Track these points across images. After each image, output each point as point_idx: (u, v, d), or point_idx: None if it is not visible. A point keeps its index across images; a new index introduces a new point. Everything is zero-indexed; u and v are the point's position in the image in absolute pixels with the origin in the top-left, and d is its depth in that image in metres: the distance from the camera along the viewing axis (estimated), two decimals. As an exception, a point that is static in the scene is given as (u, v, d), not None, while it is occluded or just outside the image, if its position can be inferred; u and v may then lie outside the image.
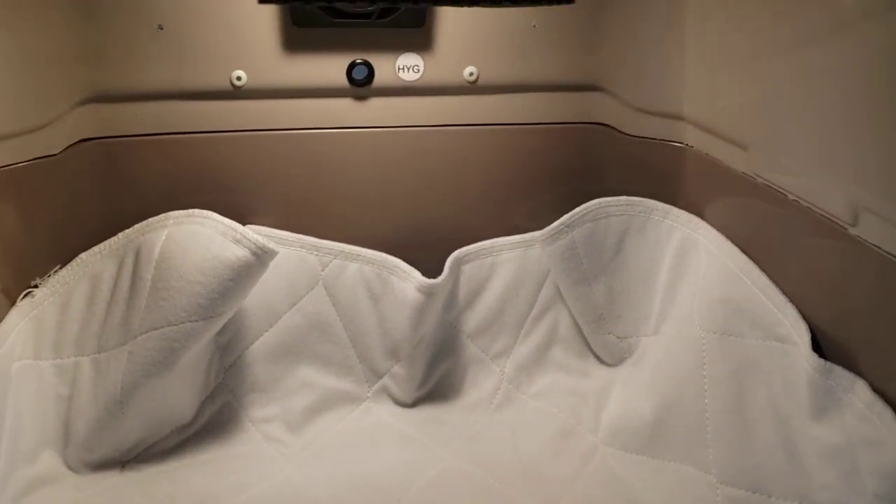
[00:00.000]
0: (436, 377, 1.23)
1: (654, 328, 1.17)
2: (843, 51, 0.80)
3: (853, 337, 0.84)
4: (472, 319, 1.26)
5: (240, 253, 1.03)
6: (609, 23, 1.26)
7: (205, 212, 1.08)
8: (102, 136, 1.17)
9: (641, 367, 1.16)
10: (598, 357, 1.26)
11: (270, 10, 1.16)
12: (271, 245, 1.05)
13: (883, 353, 0.79)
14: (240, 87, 1.19)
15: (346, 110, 1.24)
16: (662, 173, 1.25)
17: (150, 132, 1.18)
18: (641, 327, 1.19)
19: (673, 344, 1.11)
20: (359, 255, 1.21)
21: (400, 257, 1.21)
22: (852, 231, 0.82)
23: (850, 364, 0.83)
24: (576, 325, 1.26)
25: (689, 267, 1.13)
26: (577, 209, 1.20)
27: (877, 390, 0.79)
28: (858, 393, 0.80)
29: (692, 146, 1.20)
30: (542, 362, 1.25)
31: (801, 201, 0.92)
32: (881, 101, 0.75)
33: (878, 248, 0.78)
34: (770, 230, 0.99)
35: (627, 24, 1.24)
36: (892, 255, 0.76)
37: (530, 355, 1.25)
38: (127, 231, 1.11)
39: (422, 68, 1.24)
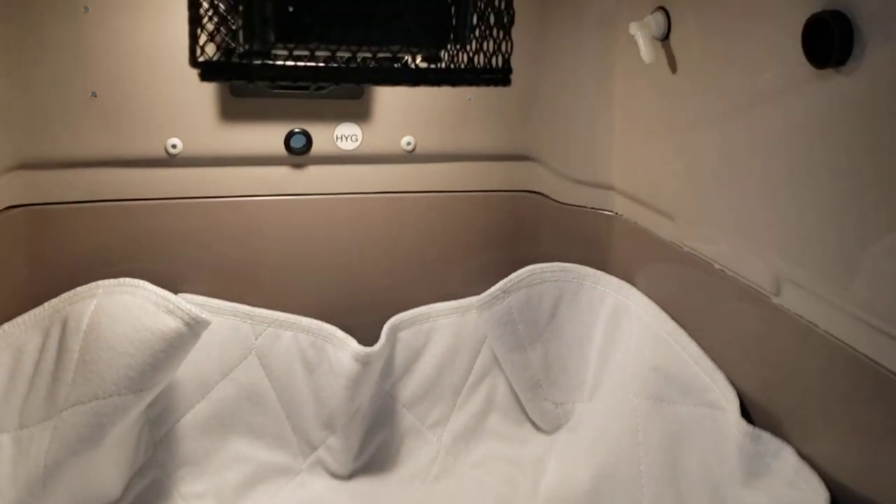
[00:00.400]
0: (372, 448, 1.21)
1: (590, 394, 1.19)
2: (762, 125, 0.85)
3: (780, 403, 0.87)
4: (409, 388, 1.25)
5: (172, 324, 1.00)
6: (541, 96, 1.31)
7: (136, 281, 1.06)
8: (31, 203, 1.13)
9: (578, 434, 1.17)
10: (535, 424, 1.26)
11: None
12: (204, 315, 1.03)
13: (808, 418, 0.82)
14: (175, 155, 1.18)
15: (283, 178, 1.24)
16: (594, 240, 1.29)
17: (81, 199, 1.16)
18: (577, 393, 1.21)
19: (608, 411, 1.13)
20: (293, 324, 1.20)
21: (336, 324, 1.20)
22: (775, 300, 0.86)
23: (777, 429, 0.86)
24: (512, 391, 1.27)
25: (622, 333, 1.16)
26: (513, 275, 1.22)
27: (803, 455, 0.81)
28: (786, 459, 0.82)
29: (622, 215, 1.24)
30: (479, 431, 1.25)
31: (726, 270, 0.95)
32: (799, 176, 0.80)
33: (801, 317, 0.82)
34: (698, 298, 1.03)
35: (559, 98, 1.29)
36: (813, 323, 0.80)
37: (468, 424, 1.25)
38: (53, 301, 1.08)
39: (360, 137, 1.25)
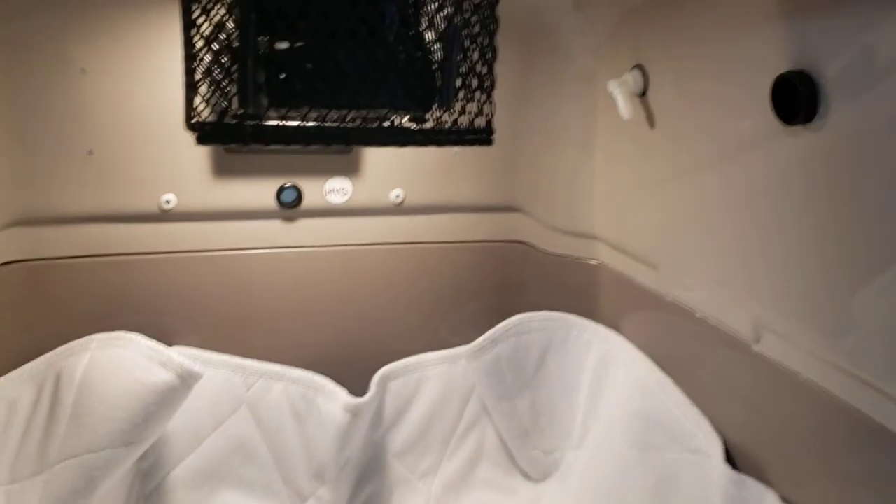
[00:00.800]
0: (362, 499, 1.21)
1: (578, 442, 1.20)
2: (737, 178, 0.89)
3: (762, 448, 0.88)
4: (399, 438, 1.25)
5: (165, 377, 1.02)
6: (526, 150, 1.35)
7: (129, 334, 1.08)
8: (28, 258, 1.15)
9: (567, 482, 1.18)
10: (524, 473, 1.26)
11: (202, 137, 1.19)
12: (197, 368, 1.05)
13: (791, 464, 0.84)
14: (168, 211, 1.20)
15: (274, 231, 1.27)
16: (579, 289, 1.31)
17: (76, 254, 1.18)
18: (565, 441, 1.22)
19: (596, 459, 1.13)
20: (284, 375, 1.21)
21: (327, 375, 1.21)
22: (756, 348, 0.88)
23: (760, 475, 0.87)
24: (502, 440, 1.28)
25: (609, 381, 1.17)
26: (502, 324, 1.24)
27: (786, 500, 0.82)
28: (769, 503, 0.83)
29: (606, 264, 1.27)
30: (469, 480, 1.26)
31: (707, 319, 0.98)
32: (772, 227, 0.83)
33: (781, 364, 0.84)
34: (682, 345, 1.05)
35: (543, 151, 1.34)
36: (793, 370, 0.82)
37: (457, 473, 1.25)
38: (48, 355, 1.09)
39: (350, 191, 1.29)
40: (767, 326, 0.86)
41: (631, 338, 1.18)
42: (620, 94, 1.07)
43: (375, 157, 1.28)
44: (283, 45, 0.59)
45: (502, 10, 0.66)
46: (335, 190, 1.28)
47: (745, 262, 0.88)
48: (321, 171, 1.26)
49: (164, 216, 1.21)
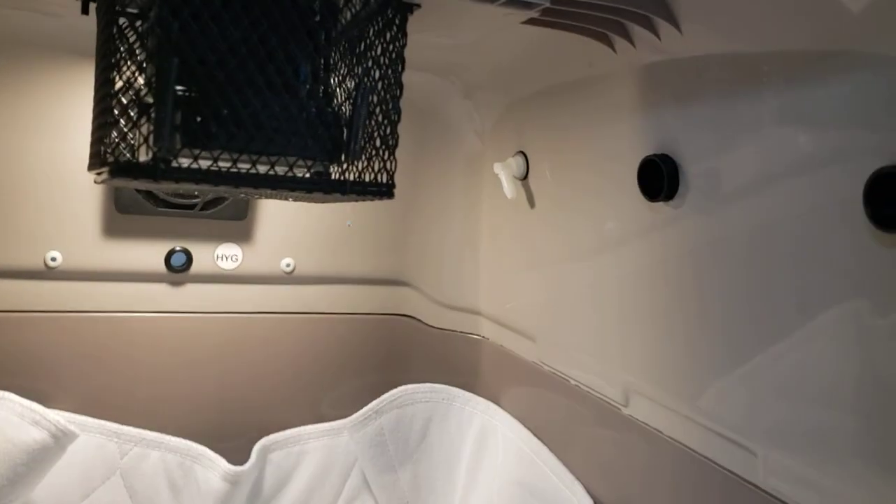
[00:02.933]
0: (238, 573, 1.17)
1: (458, 514, 1.21)
2: (606, 255, 0.97)
3: (631, 505, 0.94)
4: (278, 511, 1.23)
5: (37, 435, 0.97)
6: (415, 226, 1.41)
7: (2, 392, 1.02)
8: None
9: (446, 555, 1.18)
10: (403, 548, 1.26)
11: (94, 195, 1.18)
12: (72, 427, 1.00)
13: (656, 518, 0.89)
14: (53, 268, 1.17)
15: (161, 295, 1.25)
16: (463, 363, 1.36)
17: None
18: (446, 514, 1.23)
19: (476, 528, 1.15)
20: (161, 443, 1.17)
21: (207, 445, 1.18)
22: (625, 411, 0.95)
23: (630, 532, 0.92)
24: (382, 515, 1.27)
25: (488, 451, 1.21)
26: (385, 395, 1.26)
27: (653, 555, 0.87)
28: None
29: (488, 338, 1.33)
30: (347, 554, 1.24)
31: (581, 386, 1.04)
32: (638, 300, 0.91)
33: (647, 424, 0.90)
34: (558, 413, 1.10)
35: (431, 227, 1.40)
36: (658, 430, 0.89)
37: (336, 548, 1.23)
38: None
39: (240, 258, 1.29)
40: (635, 390, 0.93)
41: (511, 409, 1.22)
42: (504, 176, 1.15)
43: (268, 225, 1.31)
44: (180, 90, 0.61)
45: (398, 93, 0.72)
46: (225, 256, 1.28)
47: (615, 332, 0.96)
48: (212, 236, 1.27)
49: (49, 273, 1.17)
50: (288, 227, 1.33)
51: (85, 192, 1.17)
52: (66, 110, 1.15)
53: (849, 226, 0.61)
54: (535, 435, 1.14)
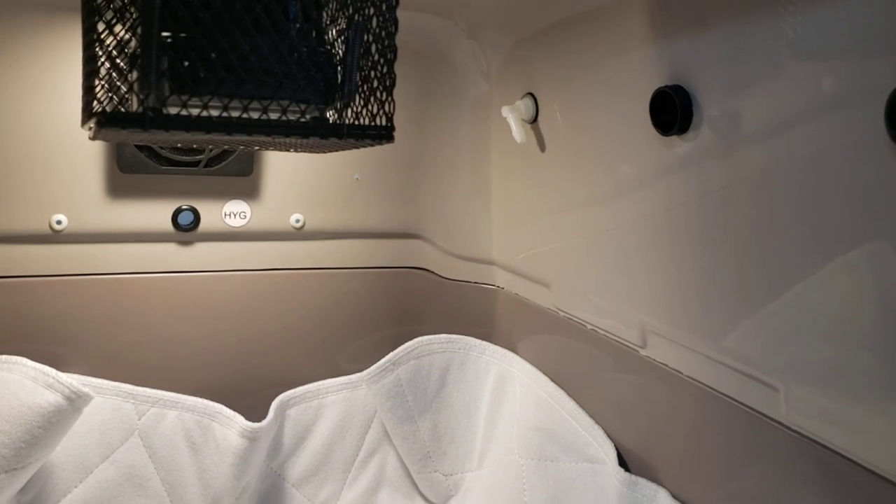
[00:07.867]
0: (259, 528, 1.18)
1: (478, 462, 1.21)
2: (619, 193, 0.95)
3: (652, 448, 0.93)
4: (298, 466, 1.23)
5: (51, 398, 0.97)
6: (424, 177, 1.39)
7: (14, 357, 1.02)
8: None
9: (467, 503, 1.18)
10: (424, 497, 1.26)
11: (96, 156, 1.17)
12: (86, 389, 1.00)
13: (679, 461, 0.88)
14: (59, 232, 1.16)
15: (170, 255, 1.24)
16: (478, 313, 1.34)
17: None
18: (466, 463, 1.23)
19: (495, 475, 1.15)
20: (178, 403, 1.17)
21: (223, 404, 1.18)
22: (643, 353, 0.93)
23: (651, 475, 0.91)
24: (403, 466, 1.27)
25: (507, 399, 1.20)
26: (402, 347, 1.25)
27: (676, 497, 0.86)
28: (661, 501, 0.87)
29: (503, 287, 1.31)
30: (370, 507, 1.24)
31: (598, 330, 1.02)
32: (652, 237, 0.88)
33: (666, 365, 0.89)
34: (575, 358, 1.09)
35: (441, 178, 1.38)
36: (677, 370, 0.87)
37: (358, 501, 1.24)
38: None
39: (248, 215, 1.28)
40: (653, 330, 0.91)
41: (528, 357, 1.21)
42: (513, 119, 1.12)
43: (275, 181, 1.29)
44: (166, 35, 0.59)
45: (400, 38, 0.69)
46: (233, 213, 1.27)
47: (630, 272, 0.94)
48: (219, 194, 1.26)
49: (55, 237, 1.16)
50: (295, 183, 1.31)
51: (86, 152, 1.16)
52: (64, 70, 1.12)
53: (871, 156, 0.58)
54: (553, 381, 1.12)
